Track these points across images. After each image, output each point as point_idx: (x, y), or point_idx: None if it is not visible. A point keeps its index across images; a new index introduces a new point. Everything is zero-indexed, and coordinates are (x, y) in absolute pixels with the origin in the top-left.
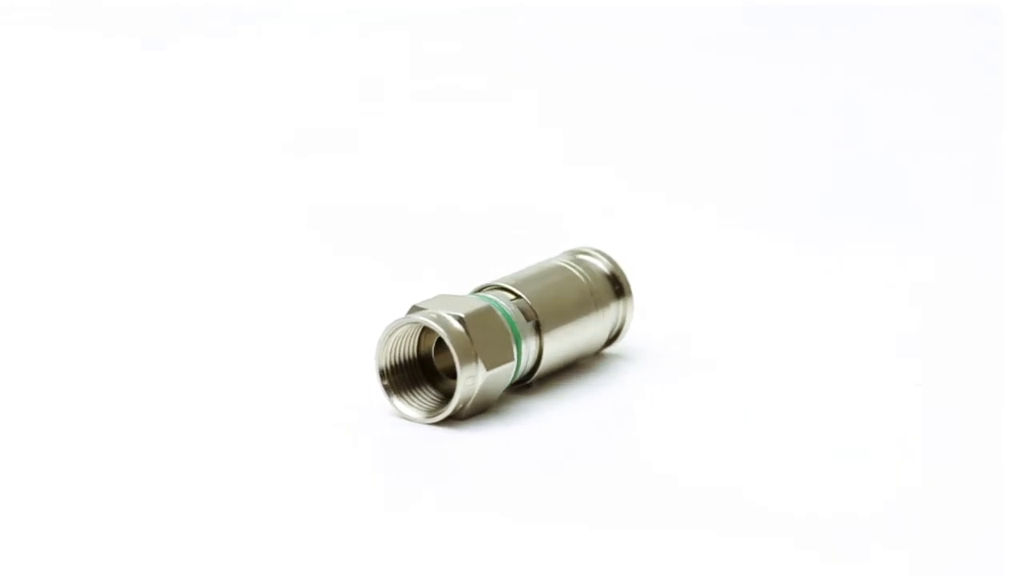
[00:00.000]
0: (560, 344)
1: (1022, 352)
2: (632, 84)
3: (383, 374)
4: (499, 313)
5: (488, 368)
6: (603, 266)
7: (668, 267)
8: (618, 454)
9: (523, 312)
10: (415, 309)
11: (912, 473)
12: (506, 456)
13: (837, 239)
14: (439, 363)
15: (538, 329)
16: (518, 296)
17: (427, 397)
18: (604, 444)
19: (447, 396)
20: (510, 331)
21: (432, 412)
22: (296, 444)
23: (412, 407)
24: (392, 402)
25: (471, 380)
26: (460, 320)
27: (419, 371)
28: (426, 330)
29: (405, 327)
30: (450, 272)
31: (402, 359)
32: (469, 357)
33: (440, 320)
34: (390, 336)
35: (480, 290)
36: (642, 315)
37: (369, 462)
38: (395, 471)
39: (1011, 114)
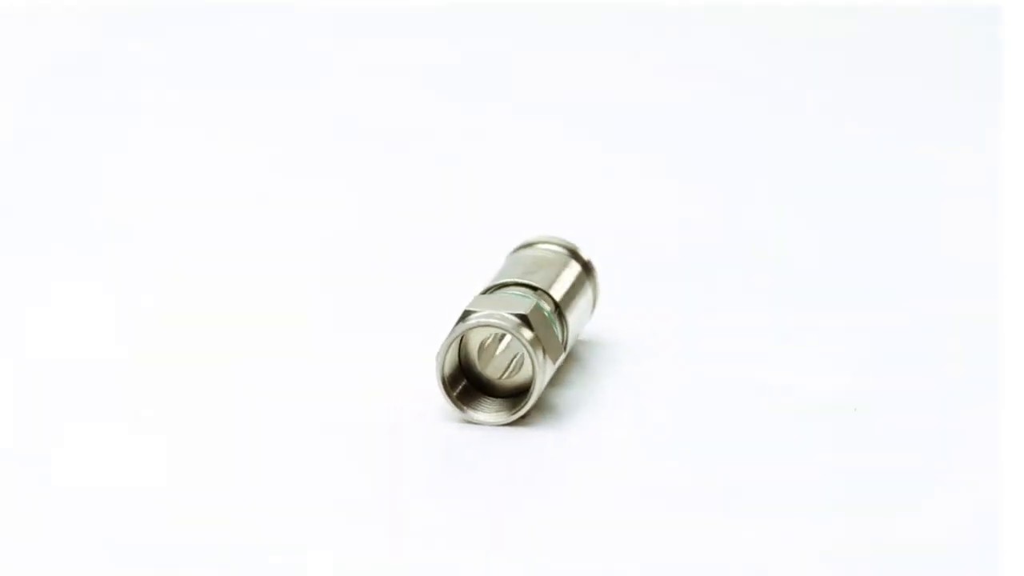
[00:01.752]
0: (574, 331)
1: (1018, 355)
2: (609, 80)
3: (450, 383)
4: (542, 308)
5: (553, 362)
6: (566, 249)
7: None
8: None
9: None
10: (467, 314)
11: (901, 464)
12: (570, 455)
13: (825, 235)
14: (485, 366)
15: (561, 319)
16: (536, 289)
17: (488, 399)
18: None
19: (499, 396)
20: (551, 324)
21: (510, 411)
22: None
23: (482, 411)
24: (465, 411)
25: (542, 375)
26: (523, 318)
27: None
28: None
29: (455, 337)
30: (434, 273)
31: (456, 366)
32: (540, 352)
33: (506, 320)
34: (452, 343)
35: (488, 291)
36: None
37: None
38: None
39: (1011, 114)
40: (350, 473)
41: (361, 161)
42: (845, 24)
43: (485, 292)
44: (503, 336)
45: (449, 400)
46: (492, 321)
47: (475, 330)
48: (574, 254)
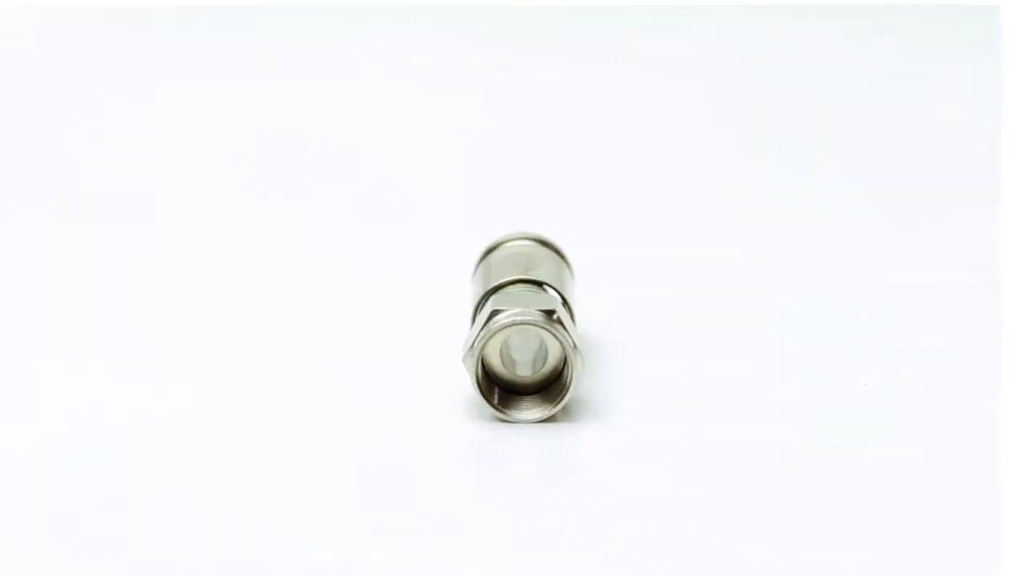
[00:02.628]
0: (575, 321)
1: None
2: (610, 80)
3: (487, 389)
4: (558, 300)
5: (582, 354)
6: (536, 241)
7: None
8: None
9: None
10: (495, 313)
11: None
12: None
13: (825, 235)
14: (513, 368)
15: (567, 308)
16: (539, 284)
17: (523, 399)
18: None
19: (528, 393)
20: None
21: (551, 403)
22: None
23: (523, 411)
24: (507, 414)
25: (576, 369)
26: (550, 313)
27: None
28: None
29: (490, 336)
30: (435, 273)
31: (483, 371)
32: (571, 341)
33: (536, 316)
34: (479, 347)
35: (492, 291)
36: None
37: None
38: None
39: (1011, 115)
40: (348, 473)
41: (360, 161)
42: (845, 24)
43: (489, 293)
44: (509, 336)
45: (491, 406)
46: (526, 319)
47: (496, 334)
48: (545, 243)
